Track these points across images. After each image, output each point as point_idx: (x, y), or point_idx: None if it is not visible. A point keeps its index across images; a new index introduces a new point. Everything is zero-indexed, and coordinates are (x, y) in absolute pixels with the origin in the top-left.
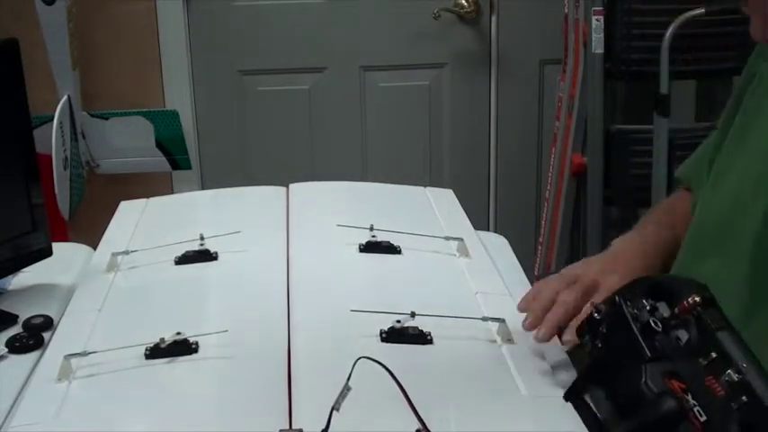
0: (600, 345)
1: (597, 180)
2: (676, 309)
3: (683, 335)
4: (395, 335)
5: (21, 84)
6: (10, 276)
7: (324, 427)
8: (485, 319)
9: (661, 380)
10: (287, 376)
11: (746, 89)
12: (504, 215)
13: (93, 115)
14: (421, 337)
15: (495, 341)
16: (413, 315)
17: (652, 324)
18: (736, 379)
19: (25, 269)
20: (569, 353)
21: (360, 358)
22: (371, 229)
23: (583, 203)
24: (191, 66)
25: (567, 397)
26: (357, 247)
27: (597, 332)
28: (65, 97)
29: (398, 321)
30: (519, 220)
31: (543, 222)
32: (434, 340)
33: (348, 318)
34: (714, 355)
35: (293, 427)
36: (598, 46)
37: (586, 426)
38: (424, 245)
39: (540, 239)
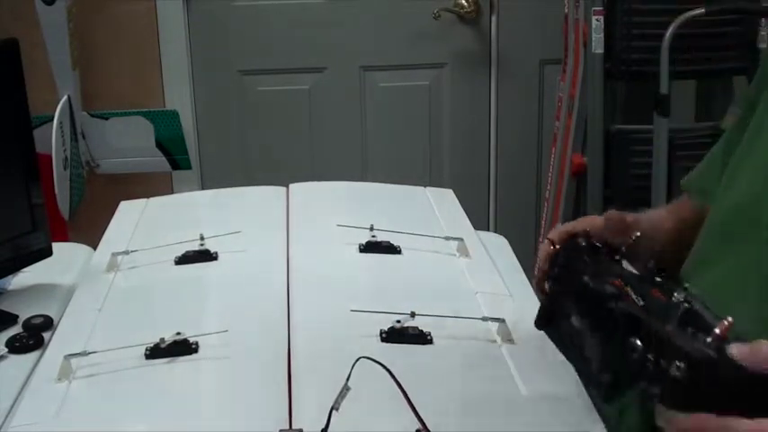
0: (557, 270)
1: (597, 180)
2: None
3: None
4: (395, 335)
5: (21, 84)
6: (10, 276)
7: (323, 426)
8: (485, 319)
9: (606, 278)
10: (287, 376)
11: (763, 92)
12: (504, 215)
13: (93, 115)
14: (421, 337)
15: (495, 341)
16: (413, 315)
17: (597, 244)
18: (682, 298)
19: (25, 269)
20: (537, 287)
21: (359, 358)
22: (371, 229)
23: (583, 203)
24: (191, 66)
25: (537, 325)
26: (357, 247)
27: (557, 261)
28: (65, 97)
29: (398, 321)
30: (519, 220)
31: (543, 222)
32: (434, 340)
33: (348, 318)
34: (659, 280)
35: (293, 427)
36: (598, 46)
37: (559, 348)
38: (424, 245)
39: (540, 239)
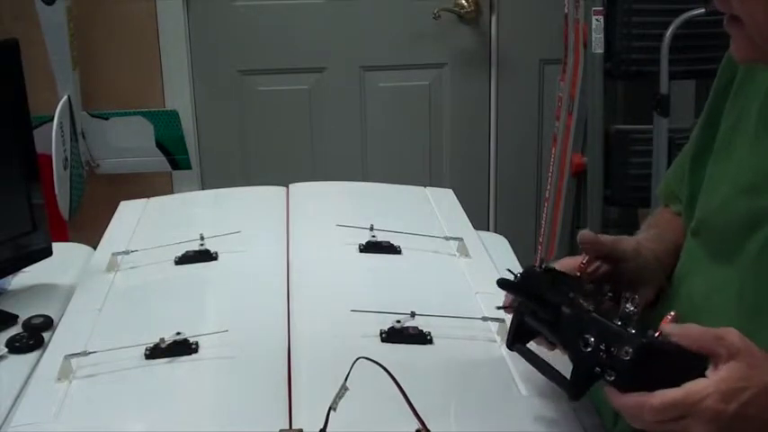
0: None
1: (597, 180)
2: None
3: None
4: (395, 335)
5: (21, 84)
6: (10, 276)
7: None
8: (485, 319)
9: (560, 289)
10: (287, 376)
11: (727, 95)
12: (504, 215)
13: (93, 115)
14: (421, 337)
15: (495, 341)
16: (413, 315)
17: (552, 266)
18: (632, 308)
19: (25, 269)
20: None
21: (358, 358)
22: (371, 229)
23: (583, 203)
24: (191, 66)
25: (507, 346)
26: (357, 247)
27: (516, 287)
28: (65, 97)
29: (398, 321)
30: (519, 220)
31: (543, 222)
32: (434, 340)
33: (348, 318)
34: (611, 294)
35: (293, 427)
36: (598, 46)
37: (534, 366)
38: (424, 245)
39: (540, 239)
